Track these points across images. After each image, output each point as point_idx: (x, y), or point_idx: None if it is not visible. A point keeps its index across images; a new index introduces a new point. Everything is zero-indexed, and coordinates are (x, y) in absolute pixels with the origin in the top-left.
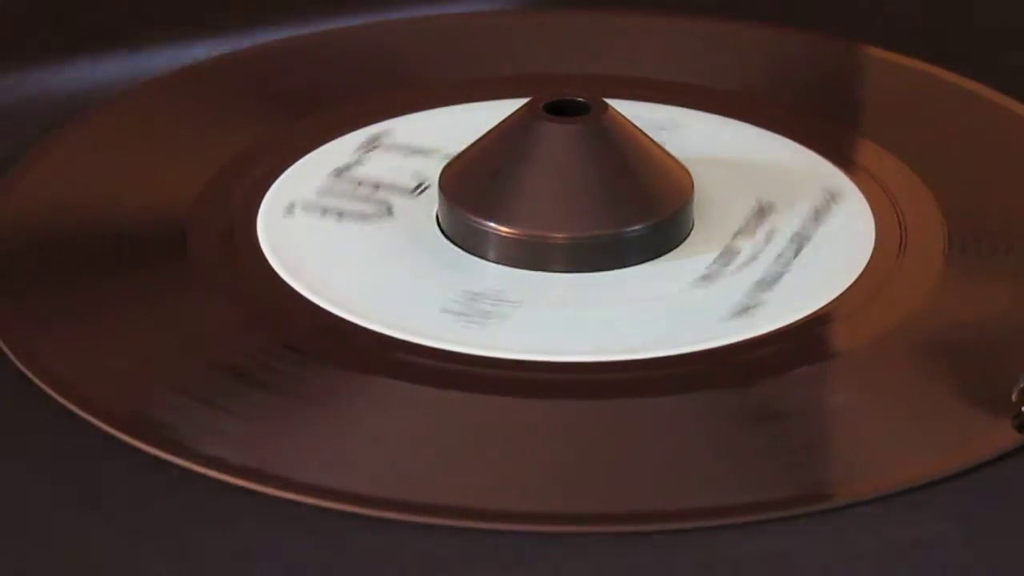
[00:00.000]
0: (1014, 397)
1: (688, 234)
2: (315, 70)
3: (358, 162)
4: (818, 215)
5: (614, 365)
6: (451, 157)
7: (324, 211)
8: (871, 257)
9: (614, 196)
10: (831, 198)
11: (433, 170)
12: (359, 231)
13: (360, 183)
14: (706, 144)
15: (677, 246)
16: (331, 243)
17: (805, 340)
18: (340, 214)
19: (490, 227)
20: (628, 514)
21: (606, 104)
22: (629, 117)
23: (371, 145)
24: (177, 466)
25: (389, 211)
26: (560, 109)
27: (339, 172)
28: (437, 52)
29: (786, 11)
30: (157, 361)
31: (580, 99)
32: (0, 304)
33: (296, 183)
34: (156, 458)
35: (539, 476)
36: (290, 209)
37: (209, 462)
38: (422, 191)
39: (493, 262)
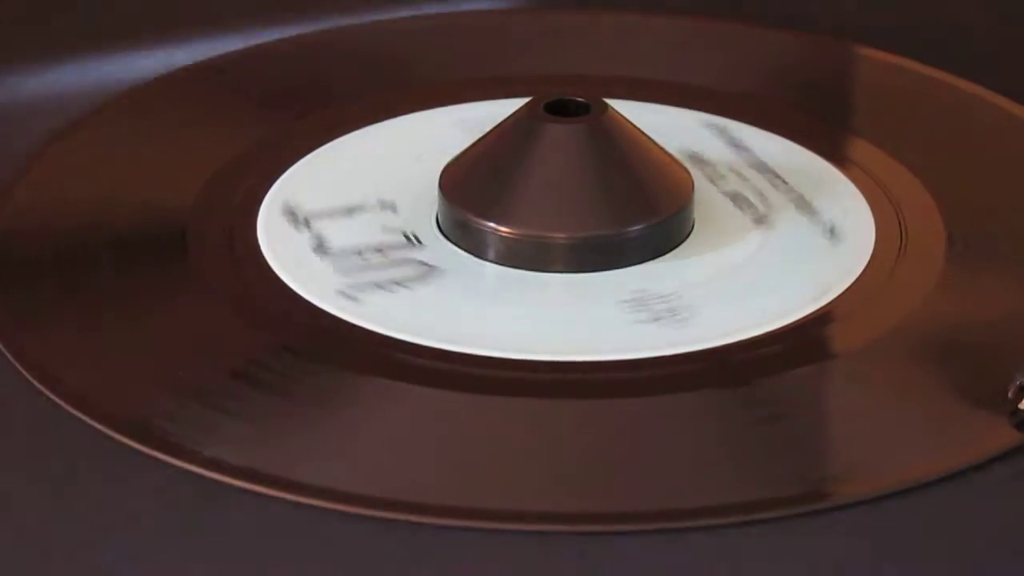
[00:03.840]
0: (1010, 394)
1: (689, 234)
2: (315, 69)
3: (325, 236)
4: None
5: (613, 365)
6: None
7: (378, 286)
8: (871, 257)
9: (614, 196)
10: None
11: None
12: (423, 291)
13: (360, 253)
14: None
15: (677, 246)
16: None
17: (805, 340)
18: (396, 283)
19: (490, 227)
20: (627, 514)
21: (606, 104)
22: (629, 117)
23: (303, 219)
24: (177, 467)
25: (424, 265)
26: (560, 109)
27: (327, 251)
28: (437, 52)
29: (786, 12)
30: (156, 362)
31: (580, 99)
32: None
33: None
34: (155, 459)
35: (538, 476)
36: (352, 297)
37: (209, 463)
38: (416, 240)
39: (492, 262)
